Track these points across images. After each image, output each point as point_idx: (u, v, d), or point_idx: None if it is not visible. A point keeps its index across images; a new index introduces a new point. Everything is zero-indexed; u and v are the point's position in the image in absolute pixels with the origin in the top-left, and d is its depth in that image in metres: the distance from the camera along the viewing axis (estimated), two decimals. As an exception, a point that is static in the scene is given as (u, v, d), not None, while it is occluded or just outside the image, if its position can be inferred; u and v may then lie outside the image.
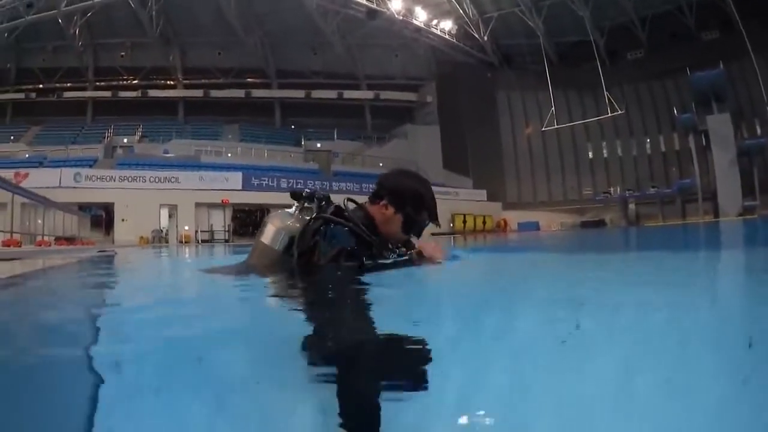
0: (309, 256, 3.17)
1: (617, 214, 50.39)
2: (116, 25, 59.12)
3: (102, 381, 1.05)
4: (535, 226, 49.02)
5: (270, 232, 3.38)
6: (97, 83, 63.96)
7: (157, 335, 1.57)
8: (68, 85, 63.47)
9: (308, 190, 3.47)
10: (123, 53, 63.78)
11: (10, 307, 2.40)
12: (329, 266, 3.02)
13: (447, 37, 57.37)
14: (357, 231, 3.24)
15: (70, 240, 23.62)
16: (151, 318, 1.94)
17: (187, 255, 13.51)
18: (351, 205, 3.51)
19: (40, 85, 63.03)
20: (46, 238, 21.22)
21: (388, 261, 3.46)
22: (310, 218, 3.32)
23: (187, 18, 58.91)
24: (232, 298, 2.73)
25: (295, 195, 3.45)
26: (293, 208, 3.47)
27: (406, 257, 3.53)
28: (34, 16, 52.91)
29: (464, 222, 49.88)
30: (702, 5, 48.86)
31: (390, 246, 3.57)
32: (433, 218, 3.53)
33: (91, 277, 4.66)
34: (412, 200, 3.43)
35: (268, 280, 3.23)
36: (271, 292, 2.87)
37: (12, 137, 55.80)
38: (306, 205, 3.44)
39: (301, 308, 2.24)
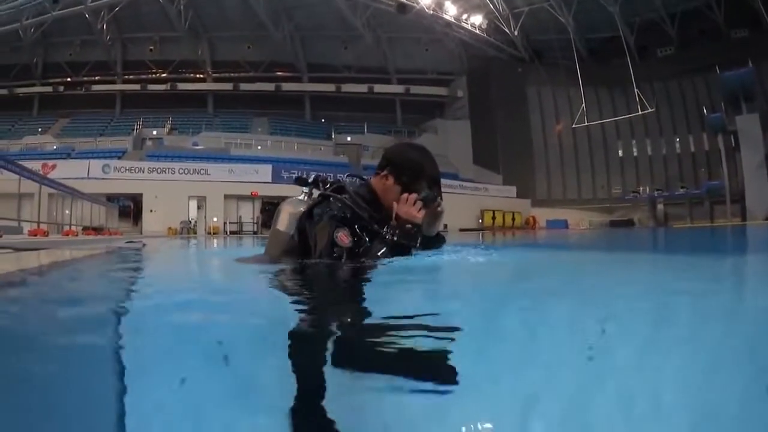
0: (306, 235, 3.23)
1: (645, 214, 50.91)
2: (144, 19, 59.91)
3: (124, 370, 1.07)
4: (564, 224, 49.55)
5: (284, 219, 3.43)
6: (126, 76, 64.87)
7: (177, 326, 1.56)
8: (96, 78, 64.26)
9: (314, 175, 3.56)
10: (151, 47, 64.63)
11: (31, 299, 2.27)
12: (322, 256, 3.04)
13: (477, 31, 57.67)
14: (351, 203, 3.21)
15: (97, 230, 23.81)
16: (173, 307, 1.86)
17: (214, 245, 14.35)
18: (358, 182, 3.53)
19: (68, 79, 63.71)
20: (73, 228, 21.13)
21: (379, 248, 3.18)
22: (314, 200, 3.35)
23: (215, 12, 59.56)
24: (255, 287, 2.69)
25: (301, 181, 3.51)
26: (302, 195, 3.51)
27: (384, 233, 3.22)
28: (61, 11, 53.70)
29: (493, 218, 50.27)
30: (731, 2, 48.82)
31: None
32: (432, 187, 3.39)
33: (117, 267, 4.58)
34: (411, 169, 3.36)
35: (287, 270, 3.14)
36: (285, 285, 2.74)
37: (40, 129, 56.59)
38: (315, 190, 3.47)
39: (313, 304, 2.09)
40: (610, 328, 1.45)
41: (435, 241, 3.58)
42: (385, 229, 3.18)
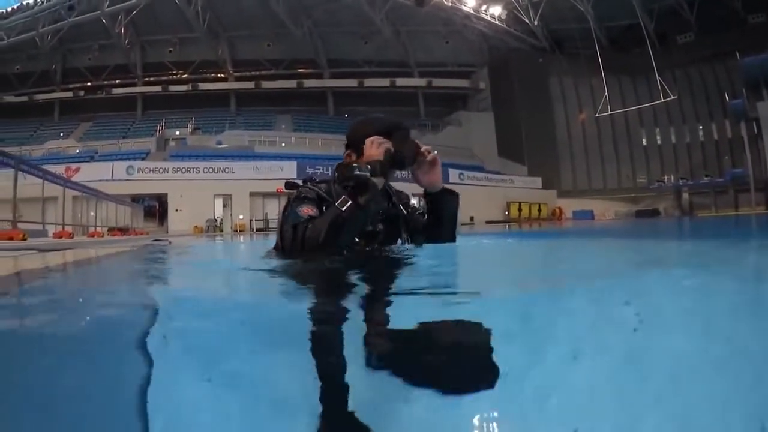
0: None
1: (670, 203, 50.83)
2: (162, 21, 60.77)
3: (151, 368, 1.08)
4: (590, 215, 49.77)
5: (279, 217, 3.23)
6: (146, 79, 65.88)
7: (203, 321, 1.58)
8: (117, 81, 65.32)
9: (304, 177, 3.33)
10: (171, 49, 65.63)
11: (60, 295, 2.30)
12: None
13: (497, 22, 58.22)
14: (323, 190, 3.02)
15: (123, 230, 24.00)
16: (182, 307, 1.85)
17: (241, 242, 14.40)
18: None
19: (88, 83, 64.92)
20: (98, 230, 21.18)
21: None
22: None
23: (233, 12, 60.23)
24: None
25: (289, 185, 3.27)
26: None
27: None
28: (77, 18, 55.07)
29: (519, 210, 50.70)
30: (746, -13, 48.71)
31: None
32: (385, 132, 3.00)
33: (141, 263, 4.56)
34: (360, 132, 3.06)
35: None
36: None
37: (61, 134, 57.50)
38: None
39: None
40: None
41: (443, 199, 3.24)
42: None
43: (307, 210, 2.83)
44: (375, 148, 2.88)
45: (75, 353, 1.15)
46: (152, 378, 0.99)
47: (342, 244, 2.82)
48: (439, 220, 3.24)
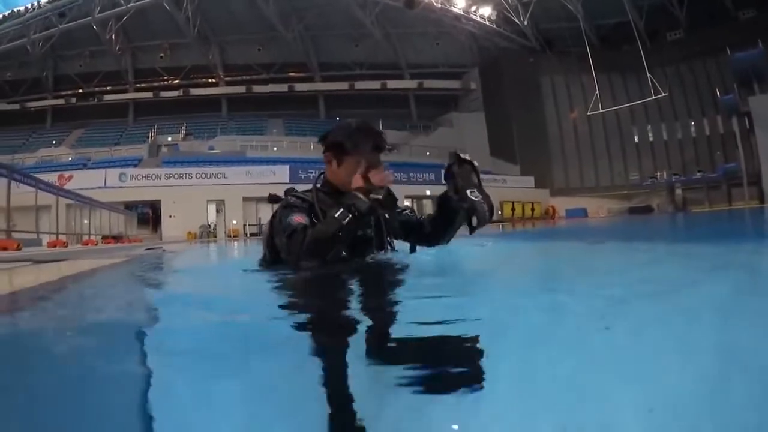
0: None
1: (663, 199, 50.64)
2: (153, 27, 61.06)
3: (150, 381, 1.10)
4: (583, 213, 49.71)
5: (265, 227, 3.38)
6: (138, 85, 66.25)
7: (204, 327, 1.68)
8: (108, 88, 65.56)
9: (286, 189, 3.34)
10: (162, 54, 65.99)
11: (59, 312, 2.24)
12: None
13: (487, 23, 58.46)
14: (310, 197, 3.10)
15: (117, 238, 24.10)
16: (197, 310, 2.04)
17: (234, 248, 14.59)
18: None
19: (80, 90, 65.23)
20: (92, 238, 21.50)
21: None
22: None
23: (224, 16, 60.78)
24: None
25: (272, 198, 3.41)
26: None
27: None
28: (68, 24, 55.41)
29: (513, 210, 50.45)
30: (736, -18, 49.03)
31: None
32: (361, 139, 3.18)
33: (137, 276, 4.48)
34: (341, 134, 3.20)
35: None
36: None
37: (54, 142, 58.17)
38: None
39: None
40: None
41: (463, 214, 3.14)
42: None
43: (298, 219, 2.87)
44: (356, 174, 2.96)
45: (75, 371, 1.15)
46: (151, 387, 1.01)
47: (338, 252, 2.85)
48: (448, 226, 3.29)
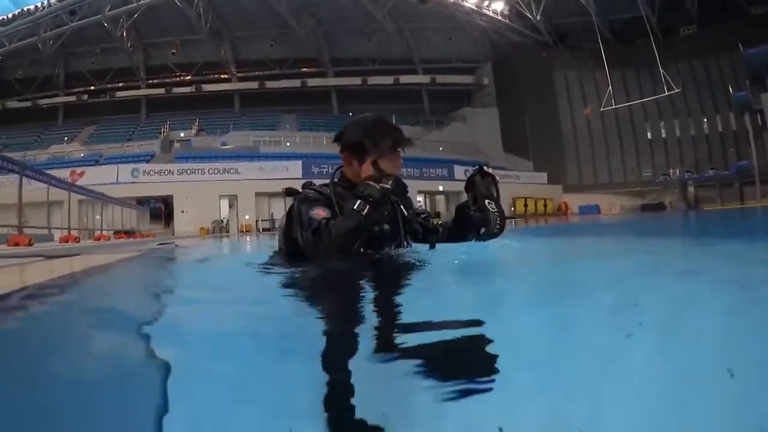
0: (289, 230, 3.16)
1: (676, 197, 50.91)
2: (164, 24, 61.18)
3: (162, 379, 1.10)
4: (596, 210, 49.92)
5: (281, 219, 3.34)
6: (150, 81, 66.45)
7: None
8: (120, 84, 66.06)
9: (303, 183, 3.30)
10: (174, 51, 66.18)
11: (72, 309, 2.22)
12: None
13: (499, 17, 58.18)
14: (317, 189, 3.10)
15: (129, 233, 24.32)
16: (196, 313, 2.01)
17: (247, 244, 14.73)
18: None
19: (92, 87, 65.43)
20: (104, 233, 21.68)
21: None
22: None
23: (235, 12, 60.83)
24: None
25: (290, 191, 3.31)
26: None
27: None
28: (79, 22, 55.57)
29: (525, 206, 50.59)
30: (749, -23, 48.79)
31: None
32: (379, 137, 3.12)
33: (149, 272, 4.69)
34: (357, 135, 3.16)
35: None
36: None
37: (66, 138, 58.59)
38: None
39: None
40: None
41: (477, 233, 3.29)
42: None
43: (319, 212, 2.87)
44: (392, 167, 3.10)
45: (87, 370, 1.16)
46: (169, 382, 1.03)
47: (357, 245, 2.93)
48: (463, 236, 3.36)
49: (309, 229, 2.80)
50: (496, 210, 3.16)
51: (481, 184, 3.24)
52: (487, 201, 3.19)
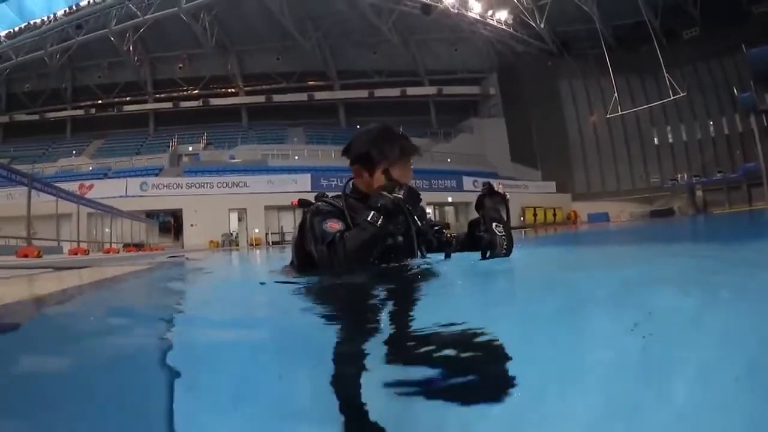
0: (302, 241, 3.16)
1: (684, 201, 50.50)
2: (170, 38, 61.46)
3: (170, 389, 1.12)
4: (605, 217, 49.75)
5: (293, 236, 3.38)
6: (157, 95, 66.94)
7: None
8: (128, 98, 66.20)
9: (316, 194, 3.31)
10: (180, 65, 66.68)
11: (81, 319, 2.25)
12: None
13: (504, 27, 58.22)
14: (341, 204, 3.04)
15: (138, 246, 24.16)
16: (205, 325, 2.00)
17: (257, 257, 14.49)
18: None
19: (99, 101, 65.87)
20: (114, 246, 21.71)
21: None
22: None
23: (241, 26, 61.19)
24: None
25: (302, 203, 3.30)
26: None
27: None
28: (85, 36, 55.73)
29: (534, 215, 50.53)
30: (750, -23, 49.06)
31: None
32: (386, 146, 3.13)
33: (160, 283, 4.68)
34: (364, 147, 3.18)
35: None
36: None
37: (74, 151, 58.74)
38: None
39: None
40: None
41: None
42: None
43: (333, 225, 2.87)
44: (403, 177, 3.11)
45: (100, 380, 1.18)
46: (176, 395, 1.05)
47: (372, 258, 2.92)
48: (473, 250, 3.39)
49: (323, 243, 2.81)
50: (503, 234, 3.17)
51: (490, 206, 3.29)
52: (494, 224, 3.20)
